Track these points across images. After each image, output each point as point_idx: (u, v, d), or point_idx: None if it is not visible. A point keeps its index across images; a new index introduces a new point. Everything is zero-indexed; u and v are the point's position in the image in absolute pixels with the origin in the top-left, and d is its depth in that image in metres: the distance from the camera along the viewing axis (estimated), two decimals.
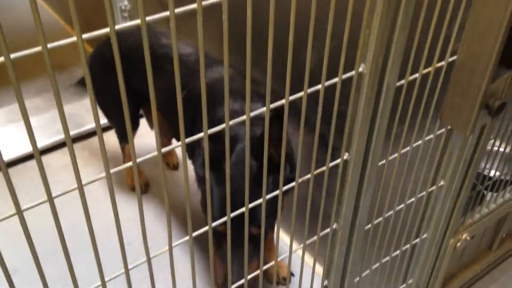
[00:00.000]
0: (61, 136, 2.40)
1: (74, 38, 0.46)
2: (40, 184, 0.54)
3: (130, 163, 0.60)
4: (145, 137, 2.23)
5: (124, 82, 0.51)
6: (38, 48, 0.44)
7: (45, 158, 2.33)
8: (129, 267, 0.69)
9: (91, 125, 2.48)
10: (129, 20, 2.48)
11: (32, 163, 2.33)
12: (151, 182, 2.28)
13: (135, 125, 2.08)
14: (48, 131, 2.40)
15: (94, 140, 2.48)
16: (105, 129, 2.26)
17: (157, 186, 2.27)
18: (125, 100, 0.54)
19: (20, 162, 2.32)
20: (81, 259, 1.67)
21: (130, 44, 1.65)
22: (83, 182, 0.57)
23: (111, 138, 2.18)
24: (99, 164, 2.33)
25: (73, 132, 2.42)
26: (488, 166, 1.40)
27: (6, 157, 2.26)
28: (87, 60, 0.49)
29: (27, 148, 2.32)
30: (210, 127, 0.64)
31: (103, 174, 0.57)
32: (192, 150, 1.52)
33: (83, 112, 2.56)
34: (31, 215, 0.53)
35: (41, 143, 2.35)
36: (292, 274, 1.76)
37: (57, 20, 3.35)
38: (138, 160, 0.59)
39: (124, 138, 2.11)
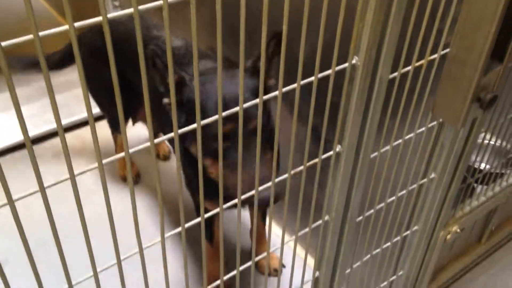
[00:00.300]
0: (51, 126, 2.39)
1: (66, 27, 0.45)
2: (30, 174, 0.53)
3: (122, 154, 0.59)
4: (136, 127, 2.22)
5: (116, 71, 0.51)
6: (30, 36, 0.44)
7: (35, 148, 2.31)
8: (121, 258, 0.69)
9: (82, 115, 2.46)
10: (120, 9, 2.46)
11: (22, 153, 2.32)
12: (142, 172, 2.27)
13: (127, 115, 2.07)
14: (38, 121, 2.39)
15: (85, 130, 2.47)
16: (97, 119, 2.25)
17: (148, 177, 2.26)
18: (118, 92, 0.53)
19: (9, 152, 2.31)
20: (72, 250, 1.67)
21: (120, 34, 1.64)
22: (75, 173, 0.56)
23: (102, 128, 2.17)
24: (90, 155, 2.33)
25: (64, 122, 2.40)
26: (478, 159, 1.41)
27: None
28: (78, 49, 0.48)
29: (17, 138, 2.31)
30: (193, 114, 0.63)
31: (95, 165, 0.57)
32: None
33: (74, 102, 2.54)
34: (21, 205, 0.53)
35: (32, 132, 2.33)
36: (283, 266, 1.76)
37: (48, 10, 3.32)
38: (130, 150, 0.58)
39: (115, 128, 2.10)
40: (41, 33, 0.43)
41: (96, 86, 1.85)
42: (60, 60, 2.01)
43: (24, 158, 2.34)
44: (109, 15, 0.46)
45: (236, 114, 0.66)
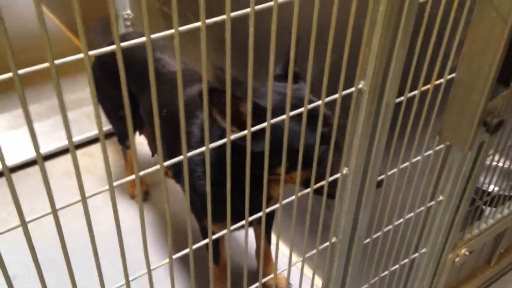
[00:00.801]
0: (62, 143, 2.42)
1: (81, 55, 0.47)
2: (41, 190, 0.54)
3: (132, 176, 0.61)
4: (144, 144, 2.24)
5: (123, 89, 0.52)
6: (46, 65, 0.45)
7: (46, 165, 2.32)
8: (130, 278, 0.70)
9: (92, 133, 2.49)
10: (131, 28, 2.50)
11: (33, 170, 2.34)
12: (150, 188, 2.28)
13: (135, 127, 2.09)
14: (49, 138, 2.42)
15: (95, 147, 2.50)
16: (107, 136, 2.28)
17: (156, 193, 2.27)
18: (128, 113, 0.55)
19: (20, 169, 2.34)
20: (79, 267, 1.68)
21: (126, 52, 1.66)
22: (86, 194, 0.57)
23: (112, 145, 2.20)
24: (99, 172, 2.34)
25: (74, 139, 2.43)
26: (487, 181, 1.41)
27: (7, 163, 2.27)
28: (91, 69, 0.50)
29: (28, 154, 2.33)
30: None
31: (106, 187, 0.58)
32: (179, 170, 1.52)
33: (84, 119, 2.57)
34: (31, 222, 0.54)
35: (43, 149, 2.36)
36: (290, 284, 1.76)
37: (57, 24, 3.37)
38: (140, 173, 0.59)
39: (123, 142, 2.12)
40: (56, 62, 0.45)
41: (104, 101, 1.89)
42: None
43: (36, 174, 2.36)
44: (123, 44, 0.48)
45: None
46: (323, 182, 0.86)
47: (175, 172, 1.57)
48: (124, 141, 2.10)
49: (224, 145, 0.65)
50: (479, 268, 1.68)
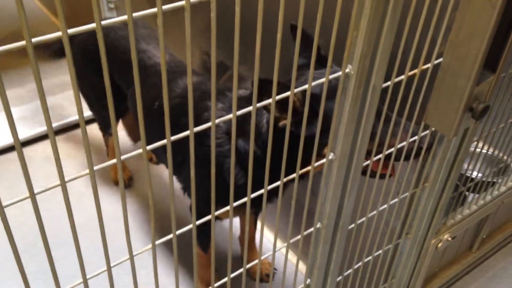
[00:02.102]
0: (43, 128, 2.37)
1: (59, 33, 0.45)
2: (21, 175, 0.53)
3: (114, 161, 0.59)
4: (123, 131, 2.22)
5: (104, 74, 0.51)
6: (23, 43, 0.43)
7: (27, 150, 2.30)
8: (112, 264, 0.69)
9: (74, 117, 2.45)
10: (115, 12, 2.46)
11: (14, 155, 2.30)
12: (134, 175, 2.26)
13: (116, 118, 2.06)
14: (30, 122, 2.38)
15: (77, 132, 2.46)
16: (89, 121, 2.24)
17: (140, 180, 2.25)
18: (110, 97, 0.53)
19: (1, 154, 2.30)
20: (61, 253, 1.66)
21: (111, 40, 1.63)
22: (66, 178, 0.56)
23: (94, 130, 2.17)
24: (82, 157, 2.31)
25: (56, 124, 2.39)
26: (470, 167, 1.42)
27: None
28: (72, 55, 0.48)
29: (8, 140, 2.29)
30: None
31: (87, 171, 0.56)
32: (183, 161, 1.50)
33: (66, 104, 2.53)
34: (10, 208, 0.52)
35: (23, 134, 2.32)
36: (274, 270, 1.76)
37: (39, 7, 3.30)
38: (122, 157, 0.58)
39: (105, 130, 2.09)
40: (34, 40, 0.43)
41: (87, 88, 1.85)
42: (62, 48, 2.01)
43: (17, 159, 2.32)
44: (103, 22, 0.46)
45: None
46: (309, 167, 0.86)
47: (177, 165, 1.52)
48: (107, 128, 2.07)
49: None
50: (461, 253, 1.70)
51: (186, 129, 0.62)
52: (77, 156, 2.33)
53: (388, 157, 0.97)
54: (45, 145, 2.38)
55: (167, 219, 2.04)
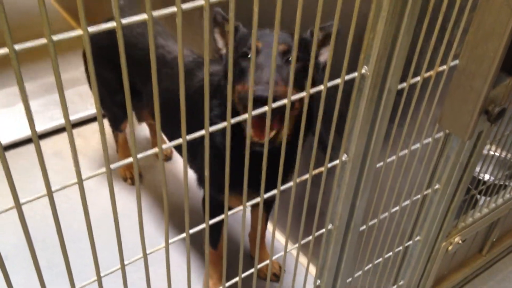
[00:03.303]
0: (54, 123, 2.38)
1: (80, 32, 0.45)
2: (32, 170, 0.53)
3: (129, 160, 0.59)
4: (135, 125, 2.21)
5: (118, 73, 0.51)
6: (43, 41, 0.43)
7: None
8: (126, 262, 0.69)
9: (84, 113, 2.46)
10: (125, 8, 2.46)
11: (24, 149, 2.32)
12: (144, 170, 2.27)
13: (126, 115, 2.06)
14: (40, 118, 2.38)
15: (88, 128, 2.47)
16: (95, 118, 2.25)
17: (150, 175, 2.25)
18: (128, 95, 0.53)
19: (11, 148, 2.31)
20: (70, 249, 1.66)
21: (128, 37, 1.64)
22: (82, 176, 0.56)
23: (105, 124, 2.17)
24: (91, 153, 2.32)
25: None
26: (481, 170, 1.41)
27: None
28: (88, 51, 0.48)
29: (19, 134, 2.30)
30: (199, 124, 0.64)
31: (103, 169, 0.56)
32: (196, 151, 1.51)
33: (78, 99, 2.54)
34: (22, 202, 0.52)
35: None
36: (281, 268, 1.76)
37: (55, 7, 3.32)
38: (138, 156, 0.58)
39: (116, 127, 2.09)
40: (54, 38, 0.43)
41: (99, 84, 1.85)
42: None
43: (26, 153, 2.33)
44: (123, 20, 0.46)
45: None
46: (321, 169, 0.85)
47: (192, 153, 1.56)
48: (117, 125, 2.07)
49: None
50: (471, 256, 1.69)
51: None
52: (87, 151, 2.33)
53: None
54: (55, 140, 2.39)
55: (178, 213, 2.05)
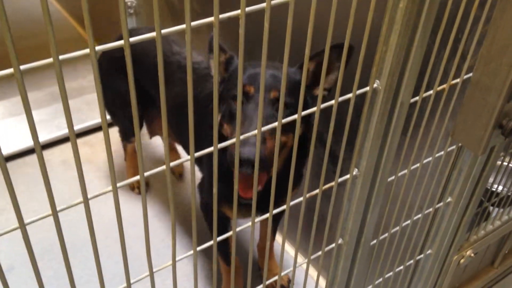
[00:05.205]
0: (61, 132, 2.38)
1: (87, 51, 0.44)
2: (39, 179, 0.51)
3: (136, 178, 0.58)
4: (146, 136, 2.21)
5: (134, 84, 0.49)
6: (50, 60, 0.42)
7: (44, 154, 2.30)
8: (132, 280, 0.67)
9: (91, 122, 2.45)
10: (134, 17, 2.46)
11: (31, 158, 2.31)
12: (150, 179, 2.25)
13: (140, 126, 2.04)
14: (47, 126, 2.38)
15: (94, 136, 2.46)
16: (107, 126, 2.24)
17: (156, 184, 2.24)
18: (135, 106, 0.52)
19: (19, 157, 2.30)
20: (76, 259, 1.65)
21: (142, 47, 1.63)
22: (86, 185, 0.54)
23: (111, 133, 2.16)
24: (98, 161, 2.31)
25: (74, 128, 2.39)
26: (493, 181, 1.38)
27: (5, 151, 2.24)
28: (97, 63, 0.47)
29: (27, 143, 2.30)
30: (208, 126, 0.63)
31: (110, 188, 0.55)
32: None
33: (85, 108, 2.54)
34: (27, 213, 0.51)
35: (41, 138, 2.33)
36: (289, 281, 1.74)
37: (58, 9, 3.32)
38: (146, 174, 0.56)
39: (126, 139, 2.08)
40: (61, 57, 0.42)
41: (110, 96, 1.84)
42: None
43: (34, 162, 2.33)
44: (132, 39, 0.45)
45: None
46: (332, 184, 0.84)
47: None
48: (128, 138, 2.07)
49: None
50: (483, 269, 1.66)
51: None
52: (93, 160, 2.33)
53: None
54: (62, 149, 2.38)
55: (185, 227, 2.03)
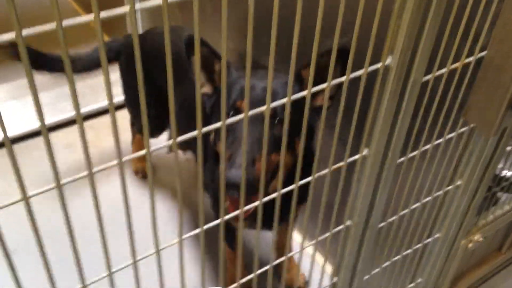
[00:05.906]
0: (64, 115, 2.37)
1: (91, 17, 0.42)
2: (44, 162, 0.50)
3: (140, 152, 0.56)
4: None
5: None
6: (52, 25, 0.41)
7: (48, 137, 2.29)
8: (138, 257, 0.66)
9: (95, 105, 2.43)
10: (139, 12, 2.42)
11: (35, 141, 2.30)
12: (155, 164, 2.24)
13: (163, 126, 1.93)
14: (51, 110, 2.37)
15: (98, 120, 2.45)
16: (107, 111, 2.23)
17: (161, 170, 2.23)
18: (143, 99, 0.50)
19: (22, 140, 2.29)
20: (78, 242, 1.64)
21: (159, 44, 1.60)
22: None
23: (117, 117, 2.15)
24: (102, 146, 2.30)
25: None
26: (503, 166, 1.37)
27: (9, 134, 2.22)
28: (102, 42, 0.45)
29: (30, 126, 2.29)
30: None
31: (114, 162, 0.54)
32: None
33: (88, 92, 2.52)
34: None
35: (45, 121, 2.31)
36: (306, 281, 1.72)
37: (68, 1, 3.29)
38: (151, 149, 0.55)
39: (140, 130, 2.06)
40: (64, 23, 0.40)
41: (132, 92, 1.81)
42: (87, 63, 1.86)
43: (37, 145, 2.31)
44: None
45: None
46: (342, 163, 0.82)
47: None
48: (140, 129, 2.05)
49: None
50: (491, 254, 1.65)
51: None
52: (98, 144, 2.31)
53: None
54: (66, 132, 2.37)
55: (192, 211, 2.02)
